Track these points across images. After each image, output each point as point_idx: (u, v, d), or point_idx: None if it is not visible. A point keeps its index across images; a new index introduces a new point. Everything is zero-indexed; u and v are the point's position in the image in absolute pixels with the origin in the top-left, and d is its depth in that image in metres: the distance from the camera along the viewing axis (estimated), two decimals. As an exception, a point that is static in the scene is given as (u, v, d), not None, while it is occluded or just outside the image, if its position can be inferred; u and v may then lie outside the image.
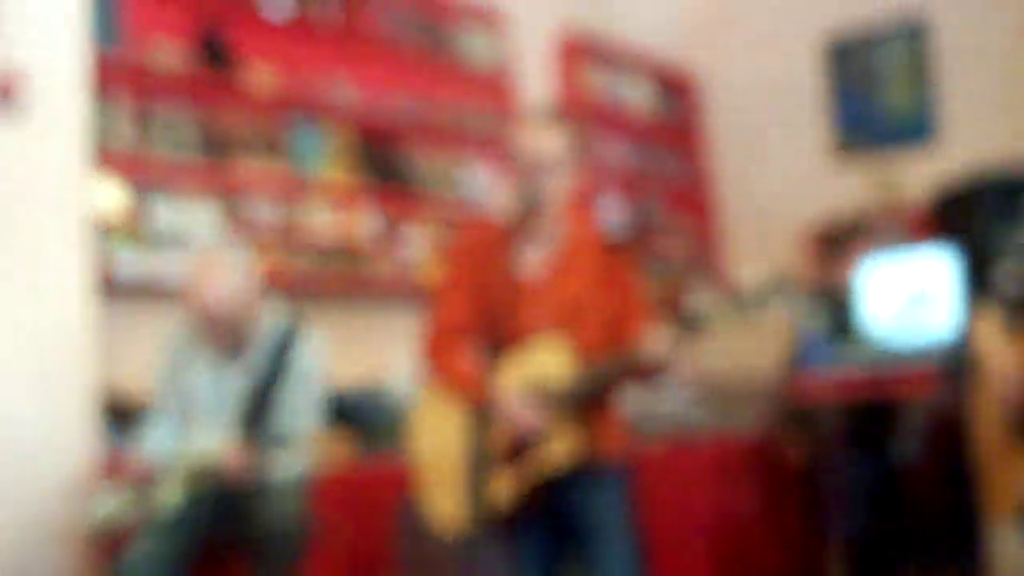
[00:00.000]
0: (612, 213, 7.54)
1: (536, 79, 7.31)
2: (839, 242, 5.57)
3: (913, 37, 7.66)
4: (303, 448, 3.70)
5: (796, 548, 5.14)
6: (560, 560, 3.32)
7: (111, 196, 4.81)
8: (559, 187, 3.26)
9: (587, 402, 3.18)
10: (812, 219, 7.80)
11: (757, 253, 8.05)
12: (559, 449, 3.15)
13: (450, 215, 6.22)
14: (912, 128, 7.64)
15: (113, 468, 4.25)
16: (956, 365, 2.49)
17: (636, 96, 8.00)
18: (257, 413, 3.93)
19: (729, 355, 6.57)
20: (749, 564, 4.91)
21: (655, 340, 3.08)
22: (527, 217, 3.25)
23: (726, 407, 5.66)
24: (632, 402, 5.12)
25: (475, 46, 6.73)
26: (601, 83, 7.70)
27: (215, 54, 5.40)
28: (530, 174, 3.21)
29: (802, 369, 4.65)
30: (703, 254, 8.23)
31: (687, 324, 3.06)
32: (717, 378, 6.30)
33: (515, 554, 3.29)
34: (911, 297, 4.61)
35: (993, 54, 7.11)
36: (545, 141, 3.24)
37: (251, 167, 5.39)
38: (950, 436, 3.06)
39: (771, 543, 4.98)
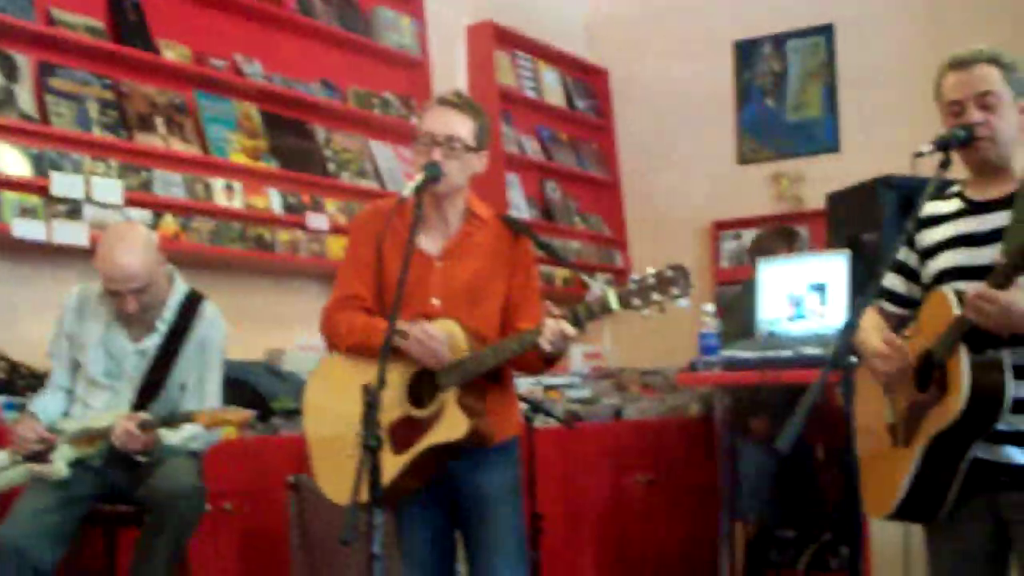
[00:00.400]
0: (520, 198, 7.60)
1: (450, 64, 7.34)
2: (763, 245, 5.75)
3: (819, 46, 7.83)
4: (200, 419, 3.69)
5: (689, 530, 5.27)
6: (449, 533, 3.37)
7: (12, 162, 4.74)
8: (461, 170, 3.29)
9: (475, 382, 3.21)
10: (716, 218, 7.99)
11: (661, 248, 8.18)
12: (449, 425, 3.18)
13: (358, 195, 6.22)
14: (816, 134, 7.81)
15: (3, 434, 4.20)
16: (839, 359, 2.58)
17: (549, 87, 8.08)
18: (156, 384, 3.92)
19: (629, 344, 6.68)
20: (638, 541, 5.02)
21: (554, 325, 3.11)
22: (429, 197, 3.28)
23: (625, 392, 5.77)
24: (531, 383, 5.20)
25: (391, 28, 6.74)
26: (515, 71, 7.75)
27: (126, 27, 5.34)
28: (432, 156, 3.24)
29: (701, 359, 4.76)
30: (609, 245, 8.34)
31: (588, 311, 3.11)
32: (616, 364, 6.40)
33: (405, 526, 3.35)
34: (808, 295, 4.75)
35: (896, 64, 7.30)
36: (445, 124, 3.27)
37: (158, 140, 5.35)
38: (834, 427, 3.16)
39: (663, 522, 5.10)
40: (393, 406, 3.19)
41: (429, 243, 3.35)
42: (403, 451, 3.18)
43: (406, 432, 3.20)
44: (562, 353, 3.19)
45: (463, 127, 3.28)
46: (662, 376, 6.11)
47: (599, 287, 3.09)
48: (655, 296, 3.04)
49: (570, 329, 3.09)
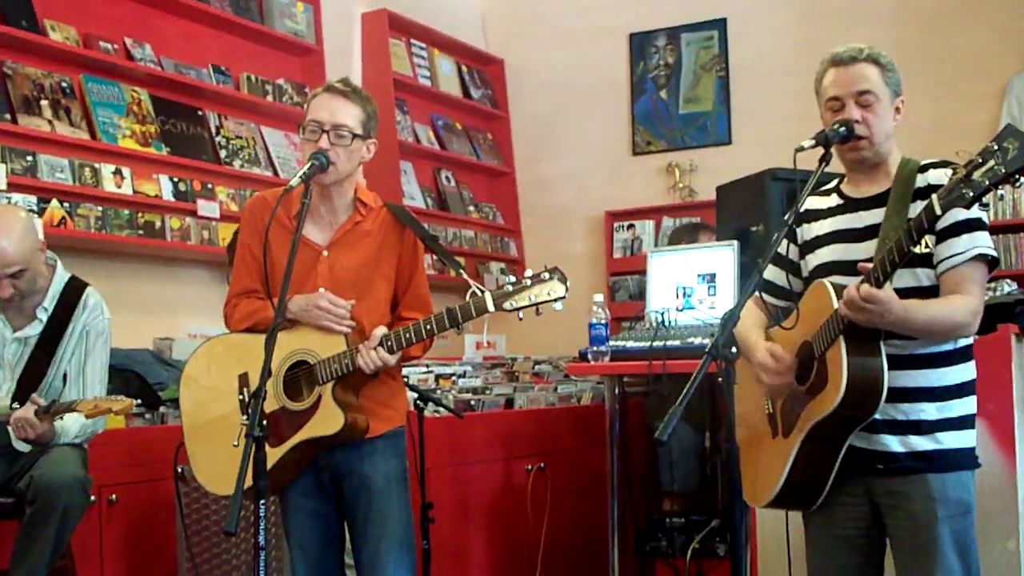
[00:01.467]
0: (414, 188, 7.59)
1: (345, 51, 7.30)
2: (678, 237, 5.87)
3: (712, 39, 7.94)
4: (82, 409, 3.63)
5: (579, 518, 5.33)
6: (337, 522, 3.38)
7: None
8: (349, 158, 3.28)
9: (354, 375, 3.22)
10: (609, 208, 8.07)
11: (554, 238, 8.25)
12: (324, 419, 3.19)
13: (250, 182, 6.16)
14: (709, 126, 7.93)
15: None
16: (718, 350, 2.63)
17: (444, 75, 8.07)
18: (36, 373, 3.84)
19: (522, 334, 6.72)
20: (529, 529, 5.06)
21: (368, 353, 3.16)
22: (316, 187, 3.27)
23: (517, 382, 5.80)
24: (421, 372, 5.20)
25: (285, 14, 6.67)
26: (410, 60, 7.73)
27: (10, 6, 5.21)
28: (320, 145, 3.23)
29: (591, 349, 4.81)
30: (503, 234, 8.37)
31: (465, 313, 3.15)
32: (510, 354, 6.43)
33: (292, 516, 3.34)
34: (698, 286, 4.82)
35: (787, 58, 7.44)
36: (332, 113, 3.26)
37: (43, 124, 5.24)
38: (723, 416, 3.23)
39: (554, 510, 5.14)
40: (270, 397, 3.18)
41: (316, 233, 3.34)
42: (278, 444, 3.18)
43: (281, 425, 3.20)
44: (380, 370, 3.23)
45: (350, 115, 3.28)
46: (554, 365, 6.15)
47: (477, 287, 3.12)
48: (531, 298, 3.09)
49: (388, 357, 3.16)
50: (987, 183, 2.35)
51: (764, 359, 2.89)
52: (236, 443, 2.85)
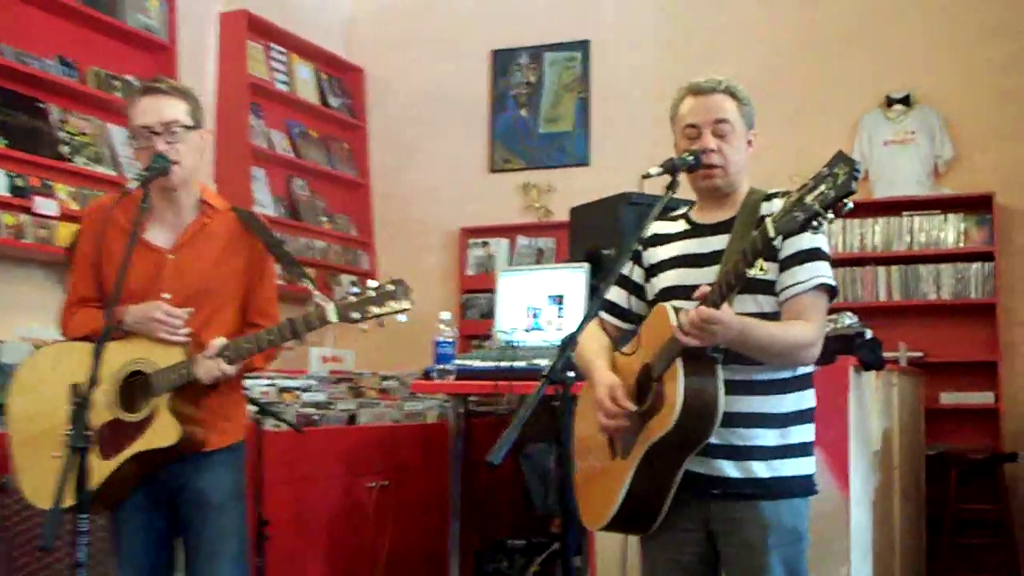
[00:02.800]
0: (265, 195, 7.49)
1: (199, 51, 7.17)
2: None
3: (574, 60, 8.04)
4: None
5: (421, 537, 5.30)
6: (169, 538, 3.30)
7: None
8: (190, 153, 3.23)
9: (191, 386, 3.16)
10: (464, 225, 8.08)
11: (408, 252, 8.22)
12: (159, 431, 3.12)
13: (93, 181, 6.00)
14: (568, 146, 8.01)
15: None
16: (556, 374, 2.63)
17: (303, 82, 7.99)
18: None
19: (370, 348, 6.68)
20: (370, 548, 5.02)
21: (209, 363, 3.12)
22: (158, 190, 3.20)
23: (362, 397, 5.75)
24: (264, 384, 5.13)
25: (137, 8, 6.52)
26: (268, 64, 7.63)
27: None
28: (157, 148, 3.17)
29: (436, 367, 4.80)
30: (356, 246, 8.31)
31: (307, 323, 3.12)
32: (356, 368, 6.38)
33: (122, 531, 3.25)
34: (547, 307, 4.85)
35: (646, 82, 7.58)
36: (159, 112, 3.20)
37: None
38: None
39: (396, 529, 5.11)
40: (103, 408, 3.11)
41: (161, 236, 3.28)
42: (110, 456, 3.10)
43: (115, 436, 3.12)
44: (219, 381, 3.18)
45: (177, 109, 3.23)
46: (401, 382, 6.13)
47: (320, 298, 3.10)
48: (374, 310, 3.07)
49: (227, 368, 3.12)
50: (817, 206, 2.43)
51: (602, 397, 2.91)
52: (57, 454, 2.76)
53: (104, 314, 3.11)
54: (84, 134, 6.10)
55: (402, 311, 3.08)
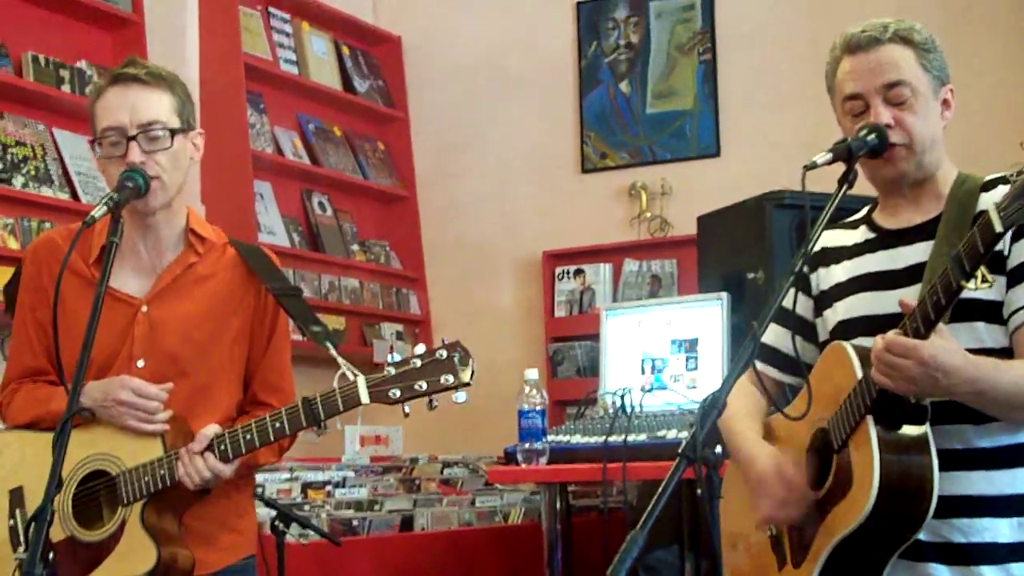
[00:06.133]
0: (274, 219, 7.54)
1: (175, 26, 7.23)
2: None
3: (693, 9, 7.99)
4: None
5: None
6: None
7: None
8: (176, 165, 3.25)
9: (179, 489, 3.18)
10: (548, 248, 8.04)
11: (471, 288, 8.19)
12: (128, 554, 3.13)
13: (38, 209, 6.08)
14: (688, 132, 7.97)
15: None
16: (695, 452, 2.56)
17: (317, 60, 8.05)
18: None
19: (424, 425, 6.68)
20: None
21: (194, 462, 3.12)
22: (131, 216, 3.22)
23: (418, 493, 5.77)
24: (282, 479, 5.16)
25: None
26: (268, 38, 7.71)
27: None
28: (130, 158, 3.17)
29: (522, 447, 4.81)
30: (400, 283, 8.32)
31: (330, 407, 3.11)
32: (407, 453, 6.40)
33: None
34: (672, 357, 4.84)
35: (798, 37, 7.51)
36: (135, 109, 3.21)
37: None
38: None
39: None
40: (54, 523, 3.12)
41: (133, 281, 3.31)
42: None
43: (70, 561, 3.14)
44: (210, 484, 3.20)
45: (160, 105, 3.24)
46: (470, 469, 6.13)
47: (350, 371, 3.09)
48: (421, 386, 3.04)
49: (220, 467, 3.13)
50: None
51: (764, 478, 2.87)
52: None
53: (58, 393, 3.13)
54: (22, 144, 6.19)
55: (458, 386, 3.04)
